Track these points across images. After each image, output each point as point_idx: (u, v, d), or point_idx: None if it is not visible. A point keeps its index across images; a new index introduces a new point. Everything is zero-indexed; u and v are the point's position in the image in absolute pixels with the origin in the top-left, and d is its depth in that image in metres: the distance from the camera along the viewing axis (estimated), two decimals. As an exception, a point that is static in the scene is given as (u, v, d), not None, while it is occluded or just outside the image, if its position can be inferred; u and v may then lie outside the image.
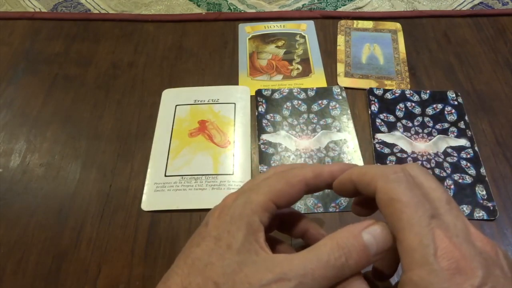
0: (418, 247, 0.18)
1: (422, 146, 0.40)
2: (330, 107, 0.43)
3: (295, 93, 0.45)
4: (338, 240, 0.20)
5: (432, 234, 0.19)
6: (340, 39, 0.50)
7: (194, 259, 0.21)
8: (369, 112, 0.43)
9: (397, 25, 0.52)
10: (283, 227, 0.28)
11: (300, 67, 0.48)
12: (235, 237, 0.21)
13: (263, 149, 0.40)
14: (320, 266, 0.20)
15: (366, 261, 0.20)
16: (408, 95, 0.44)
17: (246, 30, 0.52)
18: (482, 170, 0.38)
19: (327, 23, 0.53)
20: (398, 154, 0.39)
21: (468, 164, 0.38)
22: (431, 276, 0.18)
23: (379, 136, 0.41)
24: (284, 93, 0.45)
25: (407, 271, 0.19)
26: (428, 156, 0.39)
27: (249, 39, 0.51)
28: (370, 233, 0.21)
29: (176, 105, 0.44)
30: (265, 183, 0.24)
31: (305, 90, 0.45)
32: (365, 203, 0.25)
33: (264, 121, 0.42)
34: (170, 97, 0.45)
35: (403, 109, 0.43)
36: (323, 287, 0.20)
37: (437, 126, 0.41)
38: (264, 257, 0.21)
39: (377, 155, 0.39)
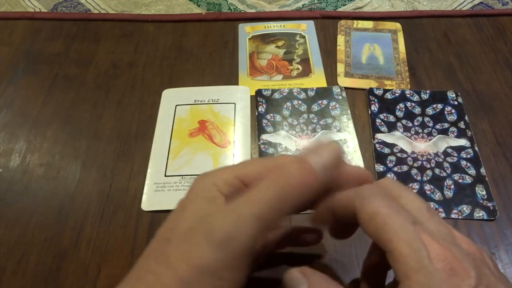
0: (410, 253, 0.18)
1: (422, 146, 0.40)
2: (330, 107, 0.43)
3: (295, 93, 0.45)
4: (279, 167, 0.21)
5: (420, 238, 0.18)
6: (340, 39, 0.50)
7: (158, 231, 0.22)
8: (369, 112, 0.43)
9: (397, 25, 0.52)
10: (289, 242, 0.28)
11: (300, 67, 0.48)
12: (190, 200, 0.21)
13: (263, 149, 0.40)
14: (265, 196, 0.20)
15: (313, 178, 0.20)
16: (408, 95, 0.44)
17: (246, 30, 0.52)
18: (482, 170, 0.38)
19: (327, 23, 0.53)
20: (398, 154, 0.39)
21: (468, 164, 0.38)
22: (429, 279, 0.17)
23: (379, 136, 0.41)
24: (284, 93, 0.45)
25: (404, 280, 0.18)
26: (428, 156, 0.39)
27: (249, 39, 0.51)
28: (314, 151, 0.21)
29: (176, 105, 0.44)
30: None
31: (305, 90, 0.45)
32: (343, 227, 0.25)
33: (264, 121, 0.42)
34: (170, 97, 0.45)
35: (403, 109, 0.43)
36: (276, 218, 0.20)
37: (437, 126, 0.41)
38: (213, 211, 0.20)
39: (377, 155, 0.39)
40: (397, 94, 0.44)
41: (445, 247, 0.18)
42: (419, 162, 0.39)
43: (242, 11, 0.54)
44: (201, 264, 0.19)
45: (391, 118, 0.42)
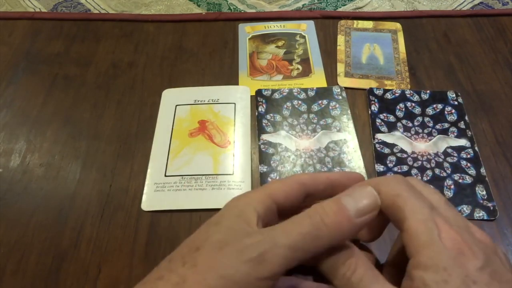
0: (424, 231, 0.19)
1: (422, 146, 0.40)
2: (330, 107, 0.43)
3: (295, 93, 0.45)
4: (316, 206, 0.21)
5: (434, 220, 0.20)
6: (340, 39, 0.50)
7: (186, 240, 0.22)
8: (369, 112, 0.43)
9: (397, 25, 0.52)
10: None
11: (300, 67, 0.48)
12: (224, 216, 0.22)
13: (263, 149, 0.40)
14: (301, 233, 0.20)
15: (346, 221, 0.21)
16: (408, 95, 0.44)
17: (246, 30, 0.52)
18: (482, 170, 0.38)
19: (327, 23, 0.53)
20: (398, 154, 0.39)
21: (468, 164, 0.38)
22: (437, 253, 0.19)
23: (379, 136, 0.41)
24: (284, 93, 0.45)
25: (414, 254, 0.19)
26: (428, 156, 0.39)
27: (249, 39, 0.51)
28: (349, 195, 0.22)
29: (176, 105, 0.44)
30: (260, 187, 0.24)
31: (305, 90, 0.45)
32: (371, 227, 0.25)
33: (264, 121, 0.42)
34: (170, 97, 0.45)
35: (403, 109, 0.43)
36: (308, 253, 0.20)
37: (437, 126, 0.41)
38: (248, 231, 0.21)
39: (377, 155, 0.39)
40: (397, 94, 0.44)
41: (457, 231, 0.20)
42: (419, 162, 0.39)
43: (242, 11, 0.54)
44: (229, 276, 0.19)
45: (391, 118, 0.42)
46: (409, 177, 0.24)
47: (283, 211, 0.24)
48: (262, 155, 0.40)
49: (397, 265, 0.24)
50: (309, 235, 0.20)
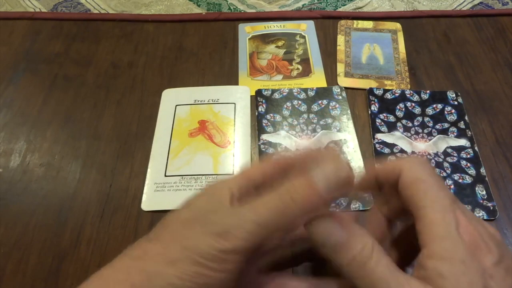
0: (442, 222, 0.19)
1: (422, 146, 0.40)
2: (330, 107, 0.43)
3: (295, 93, 0.45)
4: (286, 183, 0.21)
5: (454, 213, 0.20)
6: (340, 39, 0.50)
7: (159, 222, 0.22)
8: (369, 112, 0.43)
9: (397, 25, 0.52)
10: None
11: (300, 67, 0.48)
12: (198, 198, 0.22)
13: (263, 149, 0.40)
14: (269, 210, 0.20)
15: (316, 197, 0.20)
16: (408, 95, 0.44)
17: (246, 30, 0.52)
18: (482, 170, 0.38)
19: (327, 23, 0.53)
20: (398, 154, 0.39)
21: (468, 164, 0.38)
22: (454, 247, 0.18)
23: (379, 136, 0.41)
24: (284, 93, 0.45)
25: (429, 244, 0.19)
26: (428, 156, 0.39)
27: (249, 39, 0.51)
28: (321, 169, 0.21)
29: (176, 105, 0.44)
30: None
31: (305, 90, 0.45)
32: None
33: (264, 121, 0.42)
34: (170, 97, 0.45)
35: (403, 109, 0.43)
36: (276, 229, 0.20)
37: (437, 126, 0.41)
38: (216, 208, 0.21)
39: (377, 155, 0.39)
40: (397, 94, 0.44)
41: (474, 226, 0.20)
42: (419, 162, 0.39)
43: (242, 11, 0.54)
44: (192, 247, 0.19)
45: (391, 118, 0.42)
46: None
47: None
48: (262, 155, 0.40)
49: (396, 251, 0.24)
50: (276, 211, 0.20)
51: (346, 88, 0.45)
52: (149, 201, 0.37)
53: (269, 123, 0.42)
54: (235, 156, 0.40)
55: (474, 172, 0.38)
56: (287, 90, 0.45)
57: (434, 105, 0.43)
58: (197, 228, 0.20)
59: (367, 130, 0.42)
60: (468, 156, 0.39)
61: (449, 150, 0.39)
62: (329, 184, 0.20)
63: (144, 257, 0.20)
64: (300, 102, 0.44)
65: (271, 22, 0.53)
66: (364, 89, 0.45)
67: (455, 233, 0.19)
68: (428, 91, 0.44)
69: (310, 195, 0.20)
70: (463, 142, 0.40)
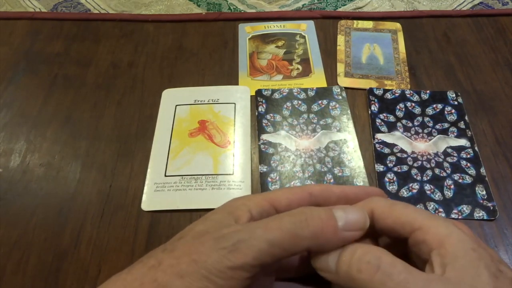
0: (441, 224, 0.19)
1: (422, 146, 0.40)
2: (330, 107, 0.43)
3: (295, 93, 0.45)
4: (304, 207, 0.21)
5: (451, 221, 0.20)
6: (340, 39, 0.50)
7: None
8: (369, 112, 0.43)
9: (397, 25, 0.52)
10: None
11: (300, 67, 0.48)
12: (216, 213, 0.22)
13: (263, 149, 0.40)
14: (283, 232, 0.20)
15: (332, 230, 0.20)
16: (408, 95, 0.44)
17: (246, 30, 0.52)
18: (482, 170, 0.38)
19: (327, 23, 0.53)
20: (398, 154, 0.39)
21: (468, 164, 0.38)
22: (461, 240, 0.19)
23: (379, 136, 0.41)
24: (284, 93, 0.45)
25: (438, 247, 0.19)
26: (428, 156, 0.39)
27: (249, 39, 0.51)
28: (342, 208, 0.21)
29: (176, 105, 0.44)
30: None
31: (305, 90, 0.45)
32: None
33: (264, 121, 0.42)
34: (170, 97, 0.45)
35: (403, 109, 0.43)
36: (286, 251, 0.20)
37: (437, 126, 0.41)
38: (231, 224, 0.21)
39: (377, 155, 0.39)
40: (397, 94, 0.44)
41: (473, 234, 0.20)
42: (419, 162, 0.39)
43: (242, 11, 0.54)
44: (201, 261, 0.19)
45: (391, 118, 0.42)
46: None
47: None
48: (262, 155, 0.40)
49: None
50: (289, 233, 0.20)
51: (346, 88, 0.45)
52: (149, 201, 0.37)
53: (269, 123, 0.42)
54: (235, 156, 0.40)
55: (474, 172, 0.38)
56: (287, 90, 0.45)
57: (434, 105, 0.43)
58: (208, 242, 0.20)
59: (367, 130, 0.42)
60: (468, 156, 0.39)
61: (449, 150, 0.39)
62: (347, 222, 0.20)
63: (158, 267, 0.20)
64: (300, 102, 0.44)
65: (271, 22, 0.53)
66: (364, 89, 0.45)
67: (457, 230, 0.19)
68: (428, 91, 0.44)
69: (326, 226, 0.20)
70: (463, 142, 0.40)
